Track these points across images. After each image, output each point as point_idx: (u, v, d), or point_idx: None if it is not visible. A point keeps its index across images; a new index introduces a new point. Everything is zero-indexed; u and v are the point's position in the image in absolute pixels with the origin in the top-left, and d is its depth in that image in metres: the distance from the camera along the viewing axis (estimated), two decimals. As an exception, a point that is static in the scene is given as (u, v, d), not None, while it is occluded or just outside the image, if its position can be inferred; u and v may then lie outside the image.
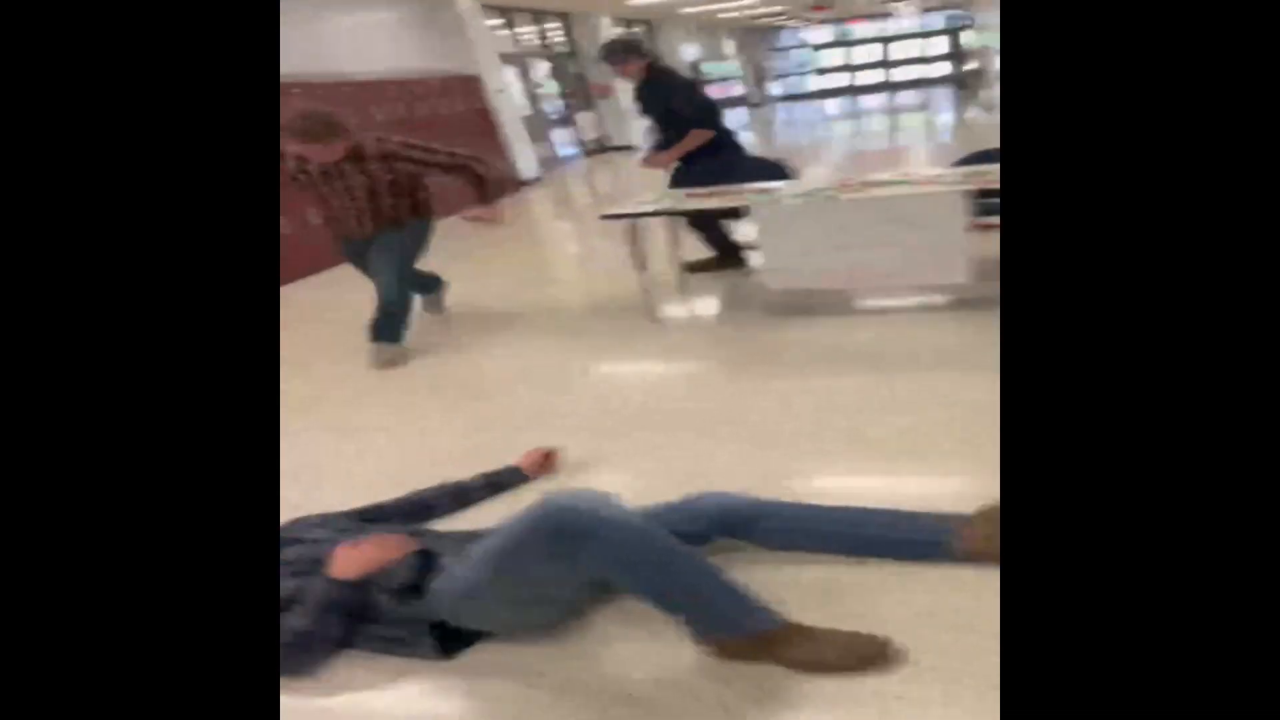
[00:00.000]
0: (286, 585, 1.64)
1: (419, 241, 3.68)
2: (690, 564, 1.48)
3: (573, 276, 5.28)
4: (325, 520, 1.89)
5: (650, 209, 3.60)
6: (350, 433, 3.00)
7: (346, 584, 1.60)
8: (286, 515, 1.99)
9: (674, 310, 3.94)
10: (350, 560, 1.61)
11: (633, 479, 2.33)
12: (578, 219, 7.72)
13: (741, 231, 4.34)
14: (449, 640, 1.62)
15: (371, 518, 2.02)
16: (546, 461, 2.36)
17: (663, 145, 4.21)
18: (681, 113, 4.06)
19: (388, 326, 3.64)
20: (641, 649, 1.62)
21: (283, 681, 1.62)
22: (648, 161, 4.26)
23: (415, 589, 1.61)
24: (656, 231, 4.43)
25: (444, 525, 2.12)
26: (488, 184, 3.54)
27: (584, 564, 1.44)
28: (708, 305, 4.00)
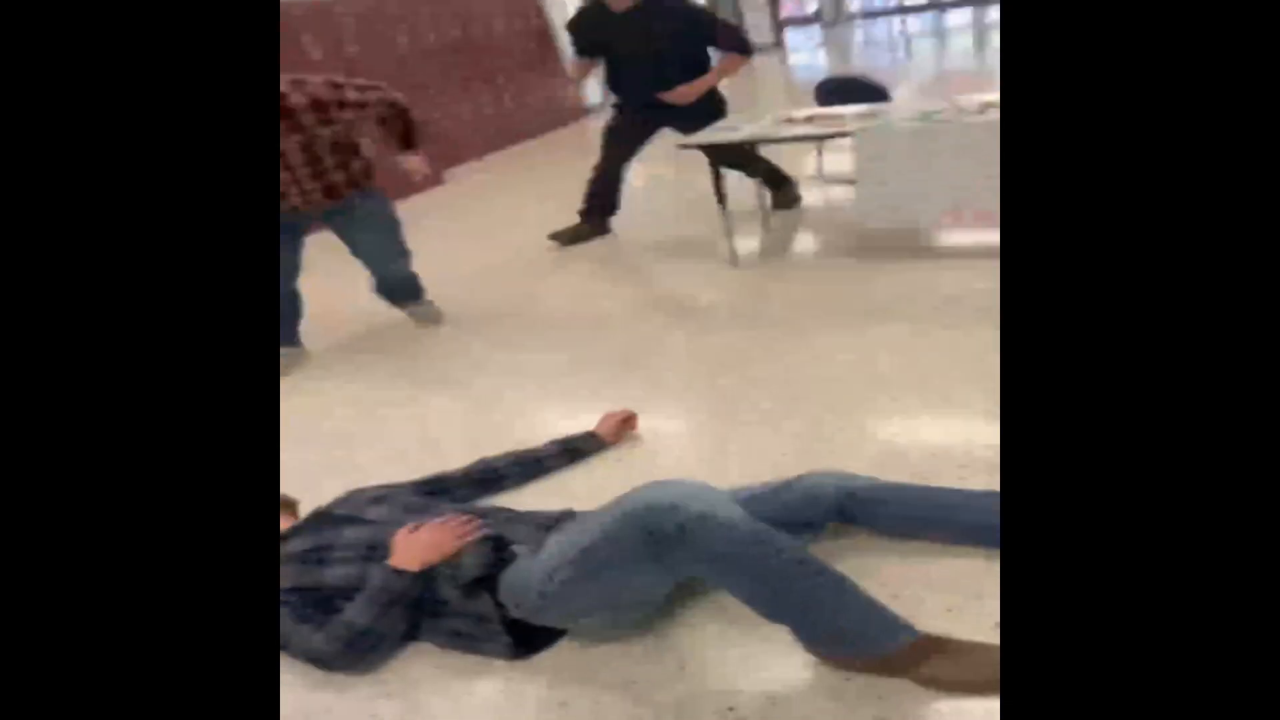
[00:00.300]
0: (343, 571, 1.50)
1: (389, 208, 3.11)
2: (806, 570, 1.28)
3: (640, 214, 4.98)
4: (386, 494, 1.73)
5: (739, 136, 3.31)
6: (426, 388, 2.87)
7: (408, 575, 1.44)
8: (358, 481, 1.85)
9: (756, 252, 3.67)
10: (411, 548, 1.45)
11: (716, 449, 2.12)
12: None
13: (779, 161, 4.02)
14: (523, 638, 1.47)
15: (435, 490, 1.87)
16: (625, 425, 2.18)
17: (659, 83, 3.71)
18: (723, 42, 3.70)
19: (406, 288, 3.31)
20: (747, 655, 1.43)
21: (339, 678, 1.50)
22: (677, 94, 3.70)
23: (485, 581, 1.45)
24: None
25: (516, 499, 1.96)
26: (415, 126, 2.97)
27: (680, 567, 1.27)
28: (795, 246, 3.72)
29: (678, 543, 1.25)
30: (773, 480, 1.63)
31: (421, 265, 3.34)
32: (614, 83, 3.97)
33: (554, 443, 2.08)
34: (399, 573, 1.44)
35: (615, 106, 4.05)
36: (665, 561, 1.27)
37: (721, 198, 3.44)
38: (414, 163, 3.04)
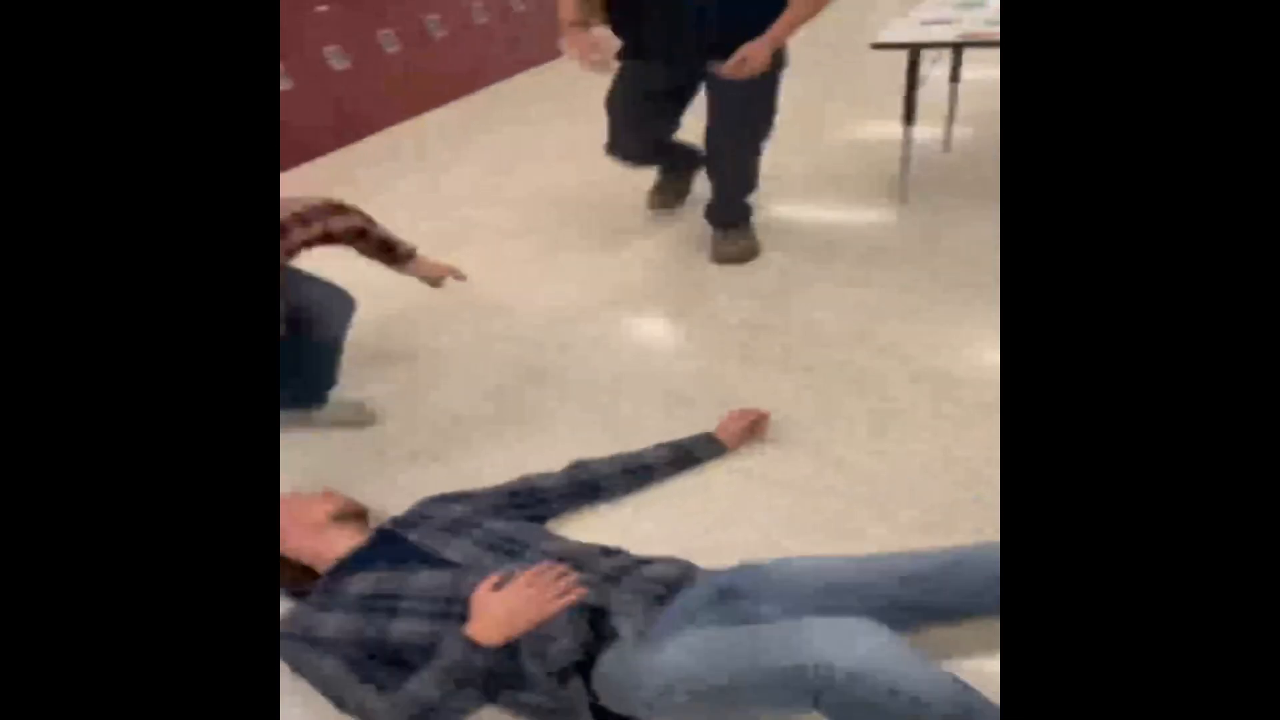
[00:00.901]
0: (413, 628, 1.36)
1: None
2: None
3: (791, 131, 3.76)
4: (467, 518, 1.58)
5: (954, 34, 2.80)
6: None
7: (487, 650, 1.32)
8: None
9: (935, 180, 3.28)
10: (493, 616, 1.31)
11: (865, 465, 1.89)
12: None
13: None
14: (612, 724, 1.34)
15: (524, 502, 1.72)
16: (752, 429, 1.97)
17: (703, 26, 2.51)
18: None
19: (326, 376, 2.33)
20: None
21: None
22: (755, 53, 2.49)
23: (579, 665, 1.32)
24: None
25: (616, 516, 1.82)
26: (390, 240, 2.26)
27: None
28: (986, 176, 3.30)
29: (836, 709, 1.08)
30: (933, 551, 1.42)
31: (526, 161, 3.07)
32: (624, 26, 2.71)
33: (664, 447, 1.89)
34: (477, 648, 1.32)
35: (628, 60, 2.79)
36: (813, 705, 1.12)
37: (911, 111, 2.96)
38: (437, 269, 2.38)
